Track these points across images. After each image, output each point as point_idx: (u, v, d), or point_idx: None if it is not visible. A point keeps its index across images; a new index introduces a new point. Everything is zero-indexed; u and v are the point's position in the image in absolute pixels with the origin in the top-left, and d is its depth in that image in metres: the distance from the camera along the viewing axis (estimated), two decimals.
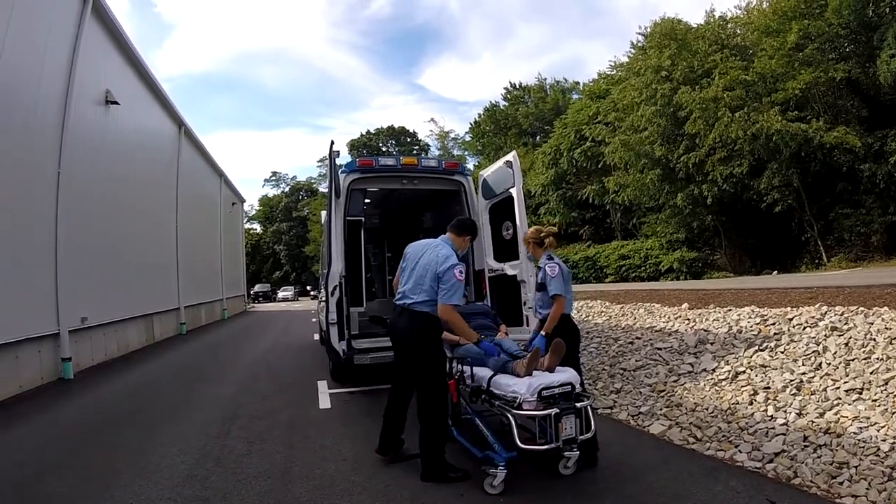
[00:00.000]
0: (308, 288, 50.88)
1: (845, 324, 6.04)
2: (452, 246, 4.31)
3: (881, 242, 17.50)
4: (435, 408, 4.09)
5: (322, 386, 7.64)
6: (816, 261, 18.94)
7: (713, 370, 6.24)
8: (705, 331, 7.58)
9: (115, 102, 11.97)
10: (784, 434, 4.43)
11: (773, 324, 6.85)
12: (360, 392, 7.19)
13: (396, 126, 60.25)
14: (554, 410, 3.58)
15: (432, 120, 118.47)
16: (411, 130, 60.29)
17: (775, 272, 19.22)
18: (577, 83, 41.17)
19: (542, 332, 4.47)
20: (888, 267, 15.32)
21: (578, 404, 3.72)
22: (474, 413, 4.37)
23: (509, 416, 3.70)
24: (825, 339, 5.84)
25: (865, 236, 17.80)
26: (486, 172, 7.63)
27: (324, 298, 7.46)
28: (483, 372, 4.15)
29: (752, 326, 7.07)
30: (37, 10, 8.81)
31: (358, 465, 4.41)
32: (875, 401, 4.50)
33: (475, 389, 4.21)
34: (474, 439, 4.28)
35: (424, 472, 4.05)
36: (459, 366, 4.42)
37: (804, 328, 6.35)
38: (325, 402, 6.80)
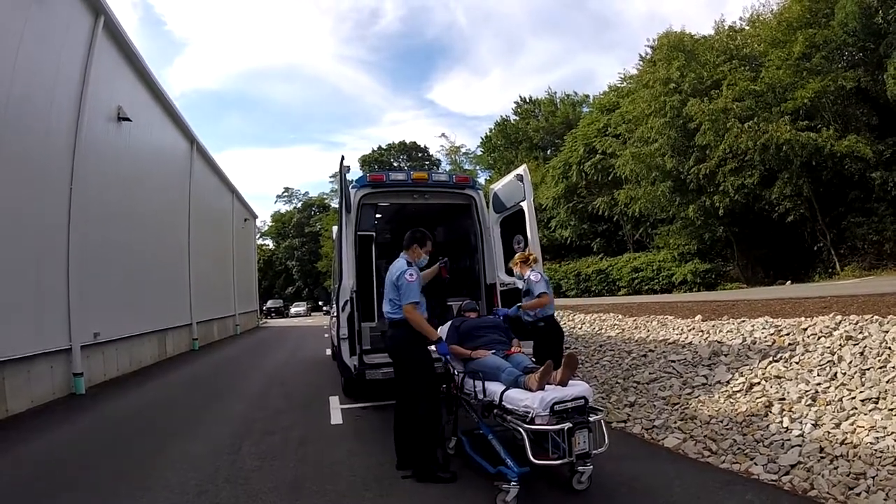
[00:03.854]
0: (320, 303, 50.94)
1: (860, 333, 5.95)
2: (408, 259, 4.78)
3: (894, 250, 17.32)
4: (422, 408, 4.43)
5: (334, 401, 7.64)
6: (830, 270, 18.74)
7: (727, 382, 6.17)
8: (719, 342, 7.51)
9: (128, 119, 12.12)
10: (800, 446, 4.38)
11: (788, 334, 6.77)
12: (372, 407, 7.18)
13: (408, 141, 60.53)
14: (567, 425, 3.57)
15: (443, 135, 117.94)
16: (422, 145, 60.44)
17: (788, 282, 19.02)
18: (588, 96, 41.39)
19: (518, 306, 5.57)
20: None
21: (592, 418, 3.71)
22: (486, 428, 4.34)
23: (522, 430, 3.68)
24: (840, 349, 5.76)
25: (878, 244, 17.64)
26: (497, 186, 7.66)
27: (335, 314, 7.48)
28: (495, 386, 4.13)
29: (766, 337, 6.99)
30: (49, 27, 8.93)
31: (369, 481, 4.40)
32: (892, 410, 4.44)
33: (487, 404, 4.18)
34: (487, 454, 4.26)
35: (415, 471, 4.36)
36: (471, 380, 4.41)
37: (818, 338, 6.27)
38: (336, 418, 6.80)
